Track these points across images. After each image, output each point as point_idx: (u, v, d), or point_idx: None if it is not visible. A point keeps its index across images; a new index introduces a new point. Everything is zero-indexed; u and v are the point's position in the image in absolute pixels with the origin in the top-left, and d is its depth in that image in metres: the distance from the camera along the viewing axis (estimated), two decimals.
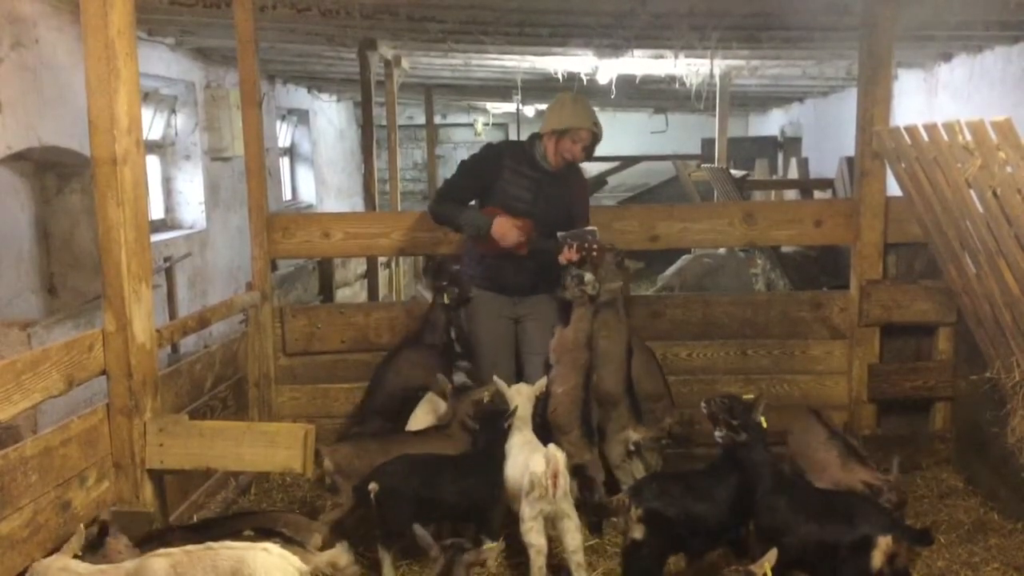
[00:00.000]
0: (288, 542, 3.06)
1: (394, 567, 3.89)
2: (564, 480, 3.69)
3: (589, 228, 4.50)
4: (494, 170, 4.61)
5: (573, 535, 3.77)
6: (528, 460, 3.81)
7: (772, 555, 3.01)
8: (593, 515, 4.32)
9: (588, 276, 4.38)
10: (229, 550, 2.84)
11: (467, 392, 4.40)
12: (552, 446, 3.81)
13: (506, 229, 4.47)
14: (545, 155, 4.58)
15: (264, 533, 3.13)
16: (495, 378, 4.28)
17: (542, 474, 3.64)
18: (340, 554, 2.93)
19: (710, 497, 3.66)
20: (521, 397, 4.17)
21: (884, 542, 3.31)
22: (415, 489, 3.86)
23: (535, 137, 4.66)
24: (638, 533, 3.56)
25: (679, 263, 8.60)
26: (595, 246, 4.40)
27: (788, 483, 3.74)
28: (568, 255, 4.41)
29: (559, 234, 4.46)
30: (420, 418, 4.63)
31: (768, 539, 3.40)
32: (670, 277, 8.50)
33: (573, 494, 3.99)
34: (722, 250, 8.36)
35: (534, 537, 3.72)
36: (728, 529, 3.69)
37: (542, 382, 4.30)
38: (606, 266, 4.51)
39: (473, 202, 4.66)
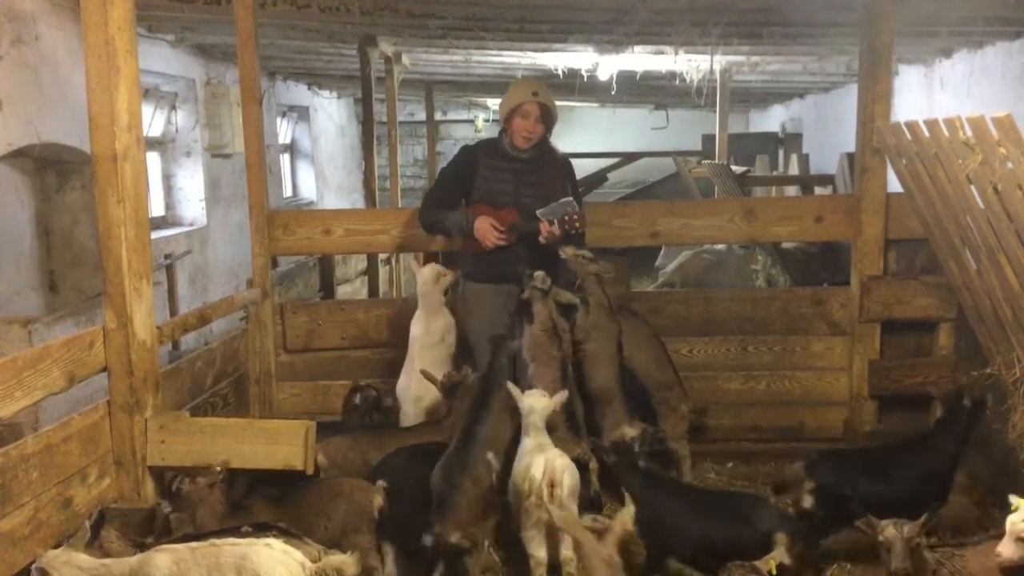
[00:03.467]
0: (287, 536, 3.06)
1: (395, 562, 3.89)
2: (561, 491, 3.56)
3: (565, 199, 4.42)
4: (470, 170, 4.65)
5: (568, 543, 3.62)
6: (531, 464, 3.71)
7: (778, 553, 3.01)
8: (591, 510, 4.29)
9: (538, 273, 4.33)
10: (232, 546, 2.85)
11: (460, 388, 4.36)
12: (555, 453, 3.72)
13: (485, 230, 4.47)
14: (512, 143, 4.60)
15: (262, 528, 3.13)
16: (509, 385, 3.97)
17: (539, 480, 3.56)
18: (350, 563, 2.91)
19: (883, 475, 3.90)
20: (543, 410, 3.87)
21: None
22: (419, 482, 3.85)
23: (503, 129, 4.69)
24: (808, 503, 3.90)
25: (679, 259, 8.59)
26: (575, 216, 4.37)
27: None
28: (548, 230, 4.37)
29: (537, 212, 4.43)
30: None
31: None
32: (671, 274, 8.50)
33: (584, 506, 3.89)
34: (722, 246, 8.35)
35: (534, 548, 3.64)
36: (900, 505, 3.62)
37: (560, 396, 3.96)
38: (587, 277, 4.48)
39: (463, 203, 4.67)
